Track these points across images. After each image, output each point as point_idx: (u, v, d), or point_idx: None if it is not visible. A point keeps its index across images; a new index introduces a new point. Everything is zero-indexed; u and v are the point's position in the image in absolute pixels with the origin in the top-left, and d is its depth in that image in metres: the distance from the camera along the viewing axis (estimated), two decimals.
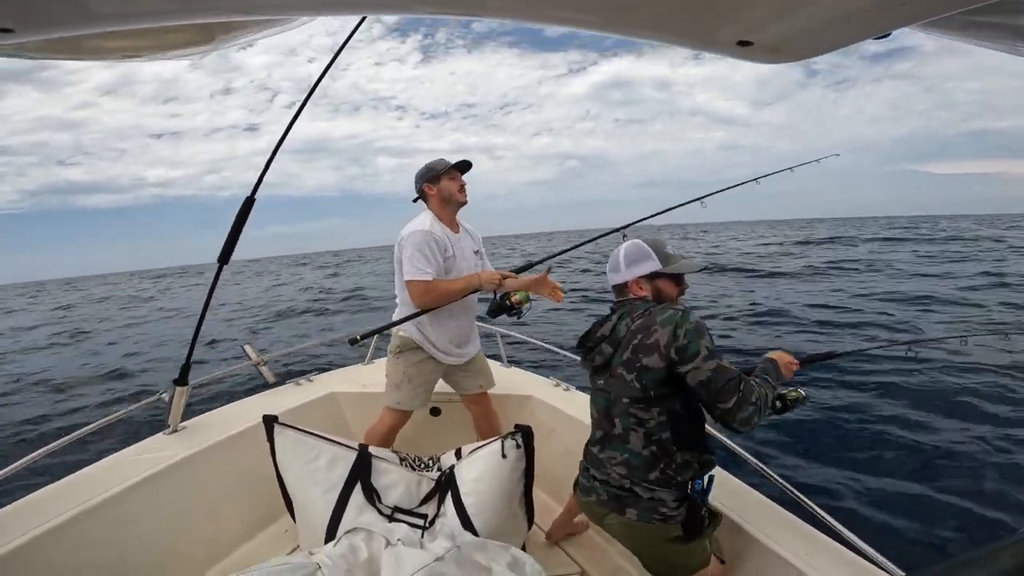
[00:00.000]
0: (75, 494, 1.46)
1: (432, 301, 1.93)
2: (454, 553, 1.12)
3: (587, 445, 1.49)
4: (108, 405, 5.56)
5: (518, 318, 2.11)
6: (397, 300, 2.05)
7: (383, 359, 2.29)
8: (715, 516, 1.38)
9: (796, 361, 1.50)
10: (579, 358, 1.50)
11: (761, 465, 1.60)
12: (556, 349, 2.69)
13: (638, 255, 1.43)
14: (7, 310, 25.98)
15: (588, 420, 1.51)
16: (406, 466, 1.67)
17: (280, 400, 2.28)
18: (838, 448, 3.41)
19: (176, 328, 11.56)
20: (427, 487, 1.62)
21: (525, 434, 1.61)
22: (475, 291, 1.99)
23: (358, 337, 1.99)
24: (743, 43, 0.56)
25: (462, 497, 1.52)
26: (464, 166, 2.03)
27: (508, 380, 2.50)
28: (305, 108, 1.70)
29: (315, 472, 1.56)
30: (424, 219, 1.97)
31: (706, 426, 1.38)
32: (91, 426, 1.72)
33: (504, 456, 1.56)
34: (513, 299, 2.04)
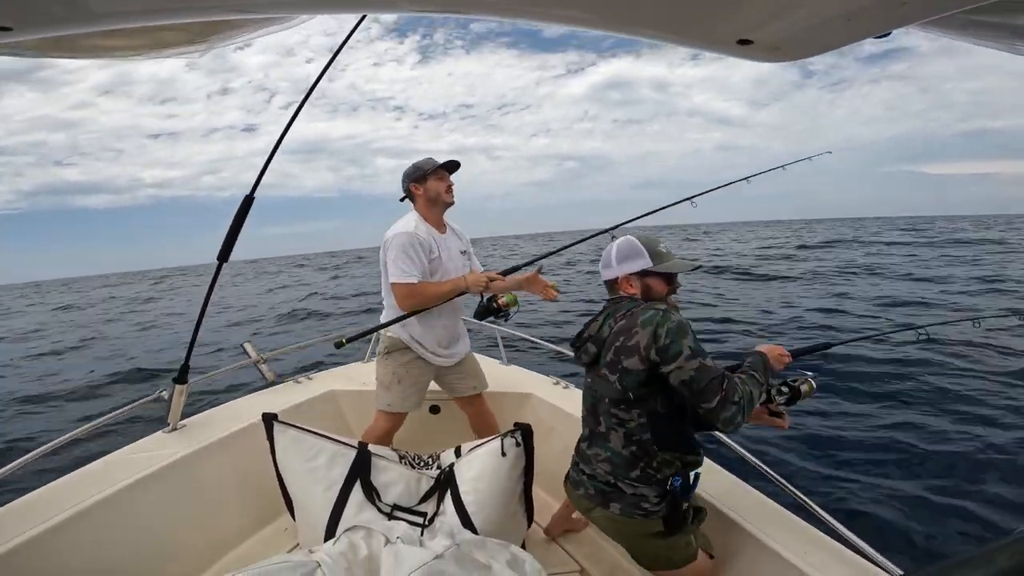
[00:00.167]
0: (74, 493, 1.46)
1: (417, 304, 1.90)
2: (453, 551, 1.12)
3: (579, 440, 1.51)
4: (108, 405, 5.54)
5: (505, 320, 2.09)
6: (384, 303, 2.02)
7: None
8: (699, 511, 1.39)
9: (787, 353, 1.47)
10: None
11: (759, 463, 1.60)
12: (557, 348, 2.69)
13: (630, 252, 1.43)
14: (7, 310, 25.86)
15: None
16: (405, 464, 1.67)
17: (280, 398, 2.28)
18: (837, 447, 3.41)
19: (177, 328, 11.52)
20: (426, 485, 1.62)
21: (525, 432, 1.61)
22: (461, 293, 1.96)
23: (343, 340, 1.94)
24: (743, 42, 0.56)
25: (461, 495, 1.52)
26: (452, 166, 2.00)
27: (508, 378, 2.49)
28: (303, 108, 1.70)
29: (315, 470, 1.56)
30: (409, 220, 1.95)
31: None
32: (90, 425, 1.71)
33: (504, 454, 1.56)
34: (500, 301, 2.02)
